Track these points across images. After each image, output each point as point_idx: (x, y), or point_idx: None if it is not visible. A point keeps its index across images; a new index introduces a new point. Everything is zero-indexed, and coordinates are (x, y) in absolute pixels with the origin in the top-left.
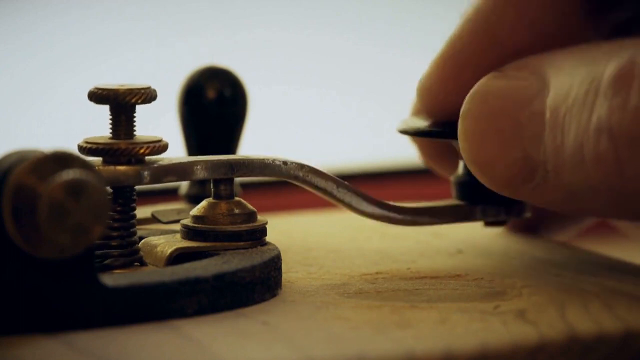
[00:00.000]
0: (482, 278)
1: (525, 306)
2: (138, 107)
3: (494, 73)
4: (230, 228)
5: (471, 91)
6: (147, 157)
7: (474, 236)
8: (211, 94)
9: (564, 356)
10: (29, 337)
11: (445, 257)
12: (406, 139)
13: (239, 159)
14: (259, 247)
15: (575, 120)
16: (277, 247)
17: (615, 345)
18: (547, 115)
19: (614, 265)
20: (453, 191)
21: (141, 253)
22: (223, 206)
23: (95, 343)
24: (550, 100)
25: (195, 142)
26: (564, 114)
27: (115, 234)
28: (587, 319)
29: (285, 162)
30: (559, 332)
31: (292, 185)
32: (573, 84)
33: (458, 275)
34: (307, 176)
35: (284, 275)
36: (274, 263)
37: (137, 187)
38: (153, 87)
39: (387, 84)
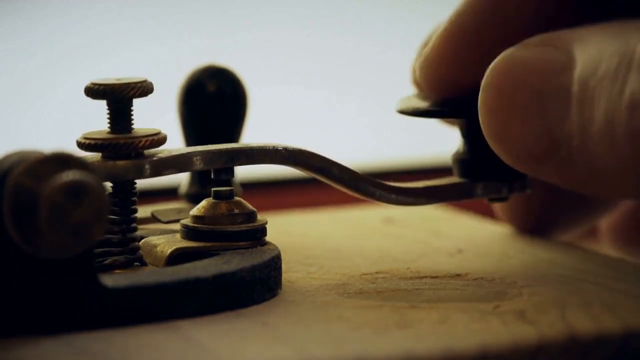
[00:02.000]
0: (482, 278)
1: (525, 306)
2: (137, 108)
3: (517, 46)
4: (230, 228)
5: (493, 63)
6: (146, 151)
7: (474, 236)
8: (211, 92)
9: (564, 356)
10: (29, 338)
11: (445, 257)
12: (406, 139)
13: (239, 148)
14: (258, 247)
15: (605, 94)
16: (277, 247)
17: (616, 345)
18: (575, 88)
19: (614, 265)
20: (454, 169)
21: (141, 253)
22: (223, 206)
23: (95, 343)
24: (578, 73)
25: (196, 141)
26: (592, 88)
27: (116, 229)
28: (588, 319)
29: (285, 149)
30: (559, 332)
31: (292, 185)
32: (603, 58)
33: (458, 275)
34: (309, 161)
35: (284, 275)
36: (274, 263)
37: (137, 185)
38: (149, 80)
39: (387, 84)
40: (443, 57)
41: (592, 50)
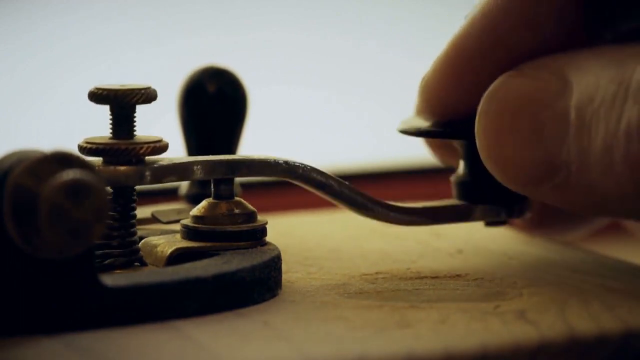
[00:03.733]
0: (482, 278)
1: (525, 306)
2: (138, 107)
3: (512, 72)
4: (230, 228)
5: (489, 90)
6: (147, 157)
7: (474, 236)
8: (211, 93)
9: (564, 356)
10: (29, 338)
11: (445, 257)
12: (406, 139)
13: (239, 159)
14: (259, 247)
15: (603, 122)
16: (277, 247)
17: (616, 345)
18: (572, 116)
19: (614, 265)
20: (453, 191)
21: (141, 253)
22: (223, 206)
23: (95, 343)
24: (575, 100)
25: (196, 142)
26: (590, 115)
27: (115, 233)
28: (588, 320)
29: (286, 162)
30: (559, 333)
31: (292, 185)
32: (599, 85)
33: (458, 276)
34: (308, 176)
35: (284, 276)
36: (274, 263)
37: (137, 187)
38: (153, 87)
39: (387, 84)
40: (443, 81)
41: (588, 77)
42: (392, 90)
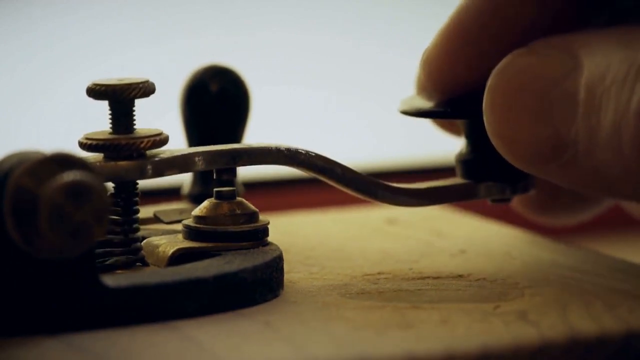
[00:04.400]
0: (484, 278)
1: (526, 307)
2: (138, 107)
3: (522, 49)
4: (232, 228)
5: (498, 66)
6: (148, 151)
7: (476, 236)
8: (214, 92)
9: (565, 357)
10: (30, 338)
11: (447, 258)
12: (406, 139)
13: (240, 148)
14: (260, 247)
15: (613, 101)
16: (278, 248)
17: (617, 346)
18: (582, 95)
19: (615, 266)
20: (457, 170)
21: (143, 253)
22: (225, 206)
23: (96, 344)
24: (585, 80)
25: (198, 141)
26: (600, 94)
27: (118, 229)
28: (589, 320)
29: (287, 149)
30: (561, 333)
31: (294, 185)
32: (610, 65)
33: (460, 276)
34: (310, 161)
35: (285, 276)
36: (276, 263)
37: (139, 185)
38: (151, 80)
39: (387, 84)
40: (444, 54)
41: (599, 57)
42: (392, 90)
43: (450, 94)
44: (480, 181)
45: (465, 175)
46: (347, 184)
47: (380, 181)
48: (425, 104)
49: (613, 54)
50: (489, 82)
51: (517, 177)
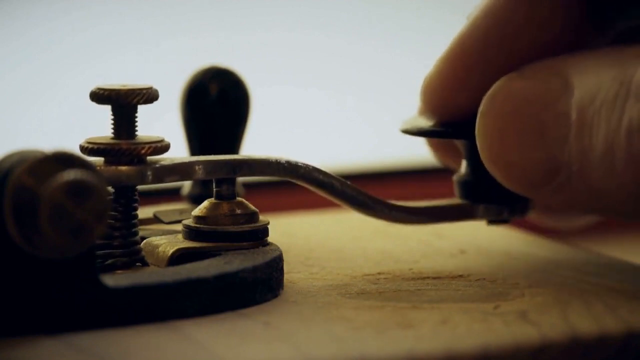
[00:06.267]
0: (484, 279)
1: (527, 307)
2: (139, 107)
3: (512, 74)
4: (232, 228)
5: (490, 91)
6: (148, 157)
7: (476, 236)
8: (214, 93)
9: (565, 357)
10: (30, 338)
11: (447, 258)
12: (406, 139)
13: (241, 159)
14: (260, 247)
15: (604, 121)
16: (279, 248)
17: (617, 346)
18: (574, 116)
19: (616, 266)
20: (455, 190)
21: (143, 253)
22: (225, 206)
23: (96, 343)
24: (576, 101)
25: (198, 142)
26: (591, 115)
27: (117, 234)
28: (589, 320)
29: (287, 162)
30: (561, 333)
31: (294, 185)
32: (601, 85)
33: (460, 276)
34: (309, 175)
35: (285, 276)
36: (276, 263)
37: (139, 187)
38: (154, 87)
39: (387, 84)
40: (445, 82)
41: (589, 77)
42: (392, 90)
43: (451, 119)
44: (478, 202)
45: (464, 195)
46: (345, 199)
47: (378, 198)
48: (426, 123)
49: (603, 73)
50: (480, 108)
51: (515, 199)
